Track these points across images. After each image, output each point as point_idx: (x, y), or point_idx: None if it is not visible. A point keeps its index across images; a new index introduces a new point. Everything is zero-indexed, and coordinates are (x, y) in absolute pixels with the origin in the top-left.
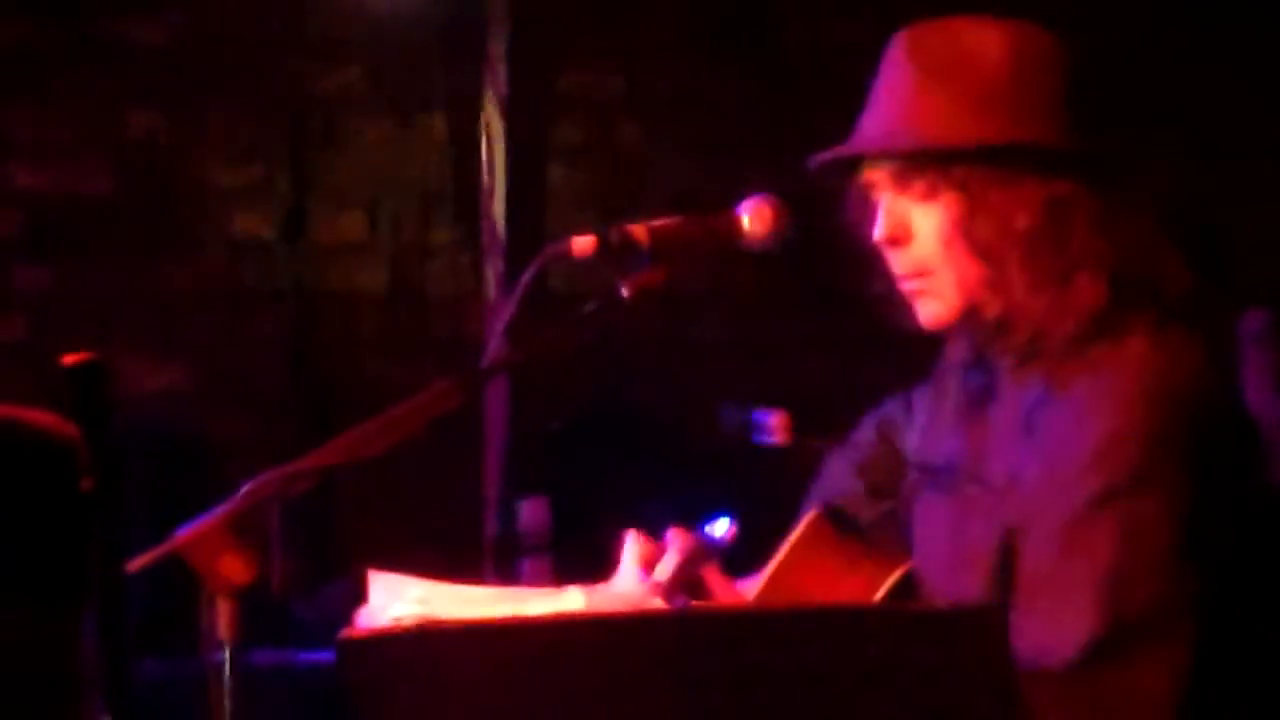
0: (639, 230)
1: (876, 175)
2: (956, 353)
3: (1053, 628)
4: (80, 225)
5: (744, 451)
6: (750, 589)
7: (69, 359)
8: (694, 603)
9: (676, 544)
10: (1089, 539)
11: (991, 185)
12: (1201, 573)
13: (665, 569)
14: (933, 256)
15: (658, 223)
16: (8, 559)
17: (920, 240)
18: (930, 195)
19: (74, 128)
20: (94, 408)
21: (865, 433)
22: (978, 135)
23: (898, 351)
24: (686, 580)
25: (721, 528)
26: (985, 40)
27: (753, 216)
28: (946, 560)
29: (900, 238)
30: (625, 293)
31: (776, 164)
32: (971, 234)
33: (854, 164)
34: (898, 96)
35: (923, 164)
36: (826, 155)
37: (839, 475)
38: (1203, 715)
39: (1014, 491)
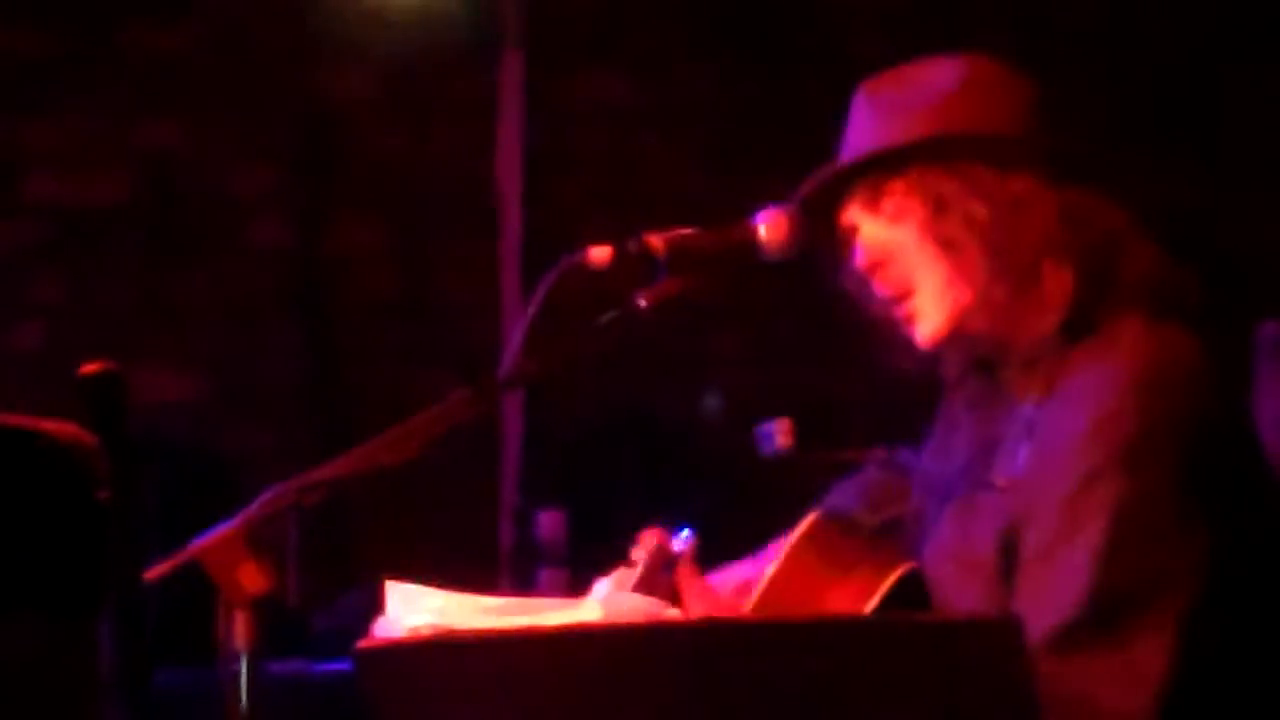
0: (656, 240)
1: (851, 210)
2: (954, 370)
3: (1043, 601)
4: (96, 234)
5: (748, 460)
6: (723, 583)
7: (85, 369)
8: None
9: (646, 545)
10: (1081, 517)
11: (948, 179)
12: (1194, 555)
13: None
14: (910, 272)
15: (675, 233)
16: (24, 569)
17: (897, 259)
18: (900, 214)
19: (89, 137)
20: (110, 417)
21: (867, 471)
22: (928, 133)
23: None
24: (649, 581)
25: (681, 540)
26: (935, 69)
27: (769, 226)
28: (952, 567)
29: (879, 261)
30: (642, 303)
31: (794, 173)
32: (937, 232)
33: (837, 213)
34: (857, 132)
35: (884, 179)
36: (796, 195)
37: (838, 494)
38: (1198, 702)
39: (1014, 490)
